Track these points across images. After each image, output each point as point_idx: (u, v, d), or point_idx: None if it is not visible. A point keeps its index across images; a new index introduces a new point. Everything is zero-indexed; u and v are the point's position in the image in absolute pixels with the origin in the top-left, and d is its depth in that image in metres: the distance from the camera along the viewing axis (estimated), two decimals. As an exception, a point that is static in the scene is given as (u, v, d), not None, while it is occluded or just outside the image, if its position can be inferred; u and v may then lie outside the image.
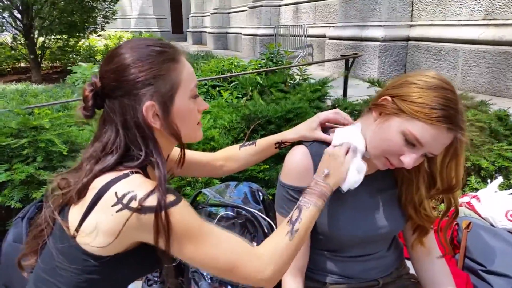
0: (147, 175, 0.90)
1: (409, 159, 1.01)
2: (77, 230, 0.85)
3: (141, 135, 0.90)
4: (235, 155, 1.33)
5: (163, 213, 0.81)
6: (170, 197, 0.84)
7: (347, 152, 1.09)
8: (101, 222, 0.83)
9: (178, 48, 0.97)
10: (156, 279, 1.52)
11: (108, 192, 0.83)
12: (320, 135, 1.19)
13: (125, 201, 0.81)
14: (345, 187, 1.10)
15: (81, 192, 0.87)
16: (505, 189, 1.95)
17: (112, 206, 0.82)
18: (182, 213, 0.85)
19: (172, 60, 0.93)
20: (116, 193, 0.82)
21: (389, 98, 1.04)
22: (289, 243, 0.96)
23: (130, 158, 0.90)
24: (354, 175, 1.08)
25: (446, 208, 1.16)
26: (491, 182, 1.98)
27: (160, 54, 0.91)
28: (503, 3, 5.54)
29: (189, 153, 1.24)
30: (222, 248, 0.89)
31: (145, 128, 0.89)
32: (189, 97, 0.96)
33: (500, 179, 1.96)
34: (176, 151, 1.15)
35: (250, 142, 1.33)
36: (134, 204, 0.81)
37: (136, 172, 0.87)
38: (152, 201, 0.82)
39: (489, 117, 2.44)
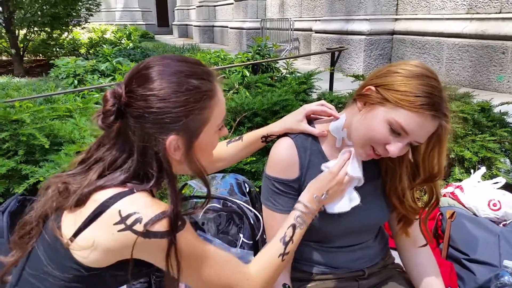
0: (152, 193, 0.89)
1: (394, 148, 1.02)
2: (71, 239, 0.82)
3: (158, 162, 0.86)
4: (223, 151, 1.32)
5: (172, 240, 0.81)
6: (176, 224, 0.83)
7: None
8: (100, 239, 0.80)
9: (215, 77, 0.92)
10: (142, 280, 1.51)
11: (111, 208, 0.80)
12: (306, 127, 1.18)
13: (128, 222, 0.79)
14: (330, 210, 1.12)
15: (81, 201, 0.84)
16: (488, 179, 1.98)
17: (114, 224, 0.79)
18: (187, 238, 0.84)
19: (209, 98, 0.88)
20: (120, 211, 0.79)
21: (373, 87, 1.04)
22: (281, 264, 1.01)
23: (139, 178, 0.87)
24: (345, 203, 1.11)
25: (428, 199, 1.17)
26: (474, 172, 2.02)
27: (198, 89, 0.86)
28: (486, -3, 5.62)
29: None
30: (219, 271, 0.90)
31: (163, 162, 0.85)
32: (215, 131, 0.93)
33: (483, 170, 2.00)
34: None
35: (237, 138, 1.32)
36: (138, 228, 0.79)
37: (142, 190, 0.84)
38: (159, 226, 0.80)
39: (473, 109, 2.47)
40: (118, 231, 0.79)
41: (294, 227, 1.04)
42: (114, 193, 0.82)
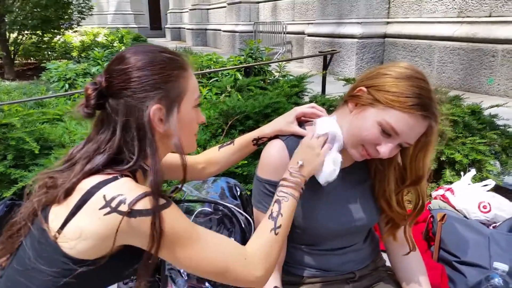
0: (136, 180, 0.88)
1: (385, 149, 1.02)
2: (59, 232, 0.82)
3: (140, 138, 0.88)
4: (215, 156, 1.32)
5: (155, 216, 0.80)
6: (161, 200, 0.83)
7: (324, 144, 1.09)
8: (87, 226, 0.81)
9: (186, 58, 0.98)
10: (132, 277, 1.50)
11: (95, 194, 0.81)
12: (297, 129, 1.18)
13: (113, 204, 0.80)
14: (322, 180, 1.09)
15: (68, 192, 0.84)
16: (478, 182, 1.99)
17: (100, 209, 0.80)
18: (172, 217, 0.84)
19: (182, 68, 0.94)
20: (104, 196, 0.80)
21: (364, 88, 1.05)
22: (275, 238, 0.98)
23: (120, 160, 0.88)
24: (329, 166, 1.08)
25: (415, 203, 1.17)
26: (464, 175, 2.03)
27: (171, 60, 0.93)
28: (476, 1, 5.67)
29: (172, 156, 1.21)
30: (213, 252, 0.89)
31: (147, 131, 0.88)
32: (192, 106, 0.96)
33: (473, 172, 2.01)
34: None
35: (229, 142, 1.32)
36: (123, 208, 0.79)
37: (126, 176, 0.85)
38: (142, 204, 0.80)
39: (463, 111, 2.48)
40: (104, 214, 0.79)
41: (278, 202, 1.02)
42: (99, 180, 0.83)
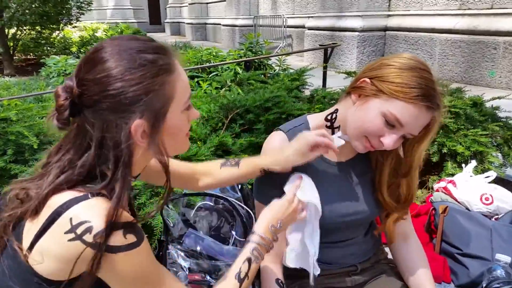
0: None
1: (389, 140, 1.02)
2: (28, 252, 0.76)
3: (115, 156, 0.79)
4: (215, 173, 1.22)
5: (118, 255, 0.74)
6: (130, 238, 0.75)
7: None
8: (52, 247, 0.75)
9: (172, 52, 0.85)
10: None
11: (63, 216, 0.74)
12: (315, 155, 1.10)
13: (79, 231, 0.72)
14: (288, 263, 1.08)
15: (38, 209, 0.77)
16: (480, 174, 1.98)
17: (65, 233, 0.73)
18: (139, 258, 0.77)
19: (167, 71, 0.81)
20: (71, 219, 0.73)
21: (367, 80, 1.04)
22: None
23: (95, 176, 0.79)
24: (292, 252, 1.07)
25: (404, 198, 1.16)
26: (466, 167, 2.02)
27: (153, 64, 0.79)
28: (477, -8, 5.64)
29: (171, 164, 1.12)
30: None
31: (123, 149, 0.78)
32: (182, 110, 0.85)
33: (474, 163, 2.00)
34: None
35: (233, 162, 1.21)
36: (88, 238, 0.72)
37: (99, 194, 0.77)
38: (108, 239, 0.73)
39: (465, 103, 2.47)
40: (69, 240, 0.73)
41: (250, 261, 0.95)
42: (68, 198, 0.76)
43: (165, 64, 0.81)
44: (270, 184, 1.15)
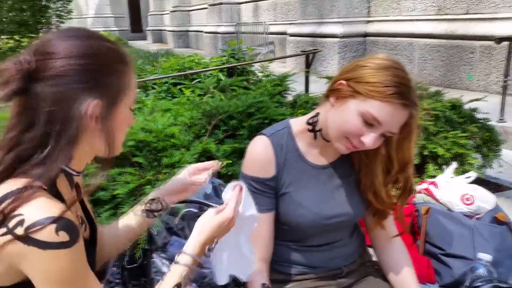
0: (55, 188, 0.78)
1: (369, 139, 1.03)
2: None
3: (60, 131, 0.76)
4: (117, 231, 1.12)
5: (46, 252, 0.69)
6: (62, 236, 0.71)
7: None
8: None
9: (127, 51, 0.87)
10: (117, 281, 1.47)
11: None
12: (195, 178, 1.10)
13: (11, 224, 0.69)
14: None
15: None
16: (461, 175, 2.02)
17: None
18: (69, 260, 0.72)
19: (125, 63, 0.83)
20: (4, 212, 0.70)
21: (344, 82, 1.06)
22: None
23: (38, 161, 0.75)
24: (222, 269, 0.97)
25: (402, 189, 1.18)
26: (447, 168, 2.05)
27: (115, 52, 0.82)
28: (453, -2, 5.78)
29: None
30: None
31: (73, 126, 0.76)
32: (129, 106, 0.86)
33: (454, 165, 2.03)
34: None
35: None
36: (19, 231, 0.68)
37: (35, 187, 0.73)
38: (42, 234, 0.69)
39: (444, 106, 2.52)
40: (1, 235, 0.69)
41: (179, 286, 0.85)
42: (5, 191, 0.72)
43: (124, 56, 0.84)
44: (257, 190, 1.15)
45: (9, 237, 0.69)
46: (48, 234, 0.69)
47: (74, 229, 0.73)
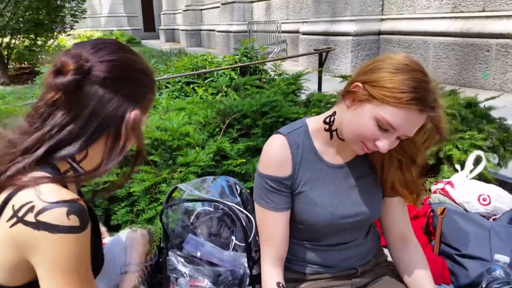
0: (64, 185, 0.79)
1: (383, 144, 1.02)
2: None
3: (97, 130, 0.80)
4: None
5: (56, 236, 0.69)
6: (73, 221, 0.71)
7: None
8: None
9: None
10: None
11: (7, 206, 0.72)
12: None
13: (20, 213, 0.69)
14: None
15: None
16: (477, 175, 1.99)
17: (7, 221, 0.70)
18: (78, 246, 0.73)
19: (154, 81, 0.93)
20: (13, 206, 0.71)
21: (360, 84, 1.04)
22: None
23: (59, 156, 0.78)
24: None
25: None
26: (462, 169, 2.03)
27: (150, 70, 0.91)
28: (469, -4, 5.69)
29: None
30: None
31: (110, 128, 0.81)
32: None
33: (471, 165, 2.01)
34: None
35: None
36: (29, 217, 0.69)
37: (50, 181, 0.74)
38: (51, 216, 0.69)
39: (459, 104, 2.49)
40: (10, 227, 0.70)
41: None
42: (15, 188, 0.73)
43: (153, 73, 0.93)
44: (273, 188, 1.15)
45: (20, 225, 0.69)
46: (58, 216, 0.70)
47: (84, 215, 0.74)
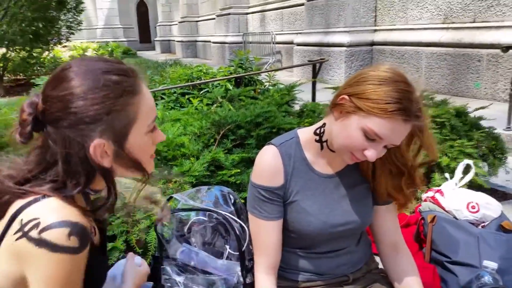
0: (72, 200, 0.79)
1: (371, 153, 1.06)
2: None
3: (86, 170, 0.79)
4: None
5: (55, 255, 0.72)
6: (73, 241, 0.73)
7: None
8: (4, 254, 0.74)
9: (138, 74, 0.85)
10: None
11: (17, 218, 0.74)
12: None
13: (26, 228, 0.71)
14: None
15: (2, 212, 0.77)
16: (467, 183, 2.03)
17: (14, 234, 0.72)
18: (72, 267, 0.74)
19: (131, 93, 0.81)
20: (21, 220, 0.73)
21: (346, 97, 1.08)
22: None
23: (66, 186, 0.79)
24: None
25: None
26: (451, 178, 2.06)
27: (118, 84, 0.79)
28: (460, 7, 5.80)
29: None
30: None
31: (91, 165, 0.79)
32: (146, 132, 0.85)
33: (460, 173, 2.05)
34: None
35: None
36: (33, 233, 0.71)
37: (63, 195, 0.76)
38: (54, 236, 0.71)
39: (449, 113, 2.53)
40: (16, 240, 0.72)
41: None
42: (26, 201, 0.76)
43: (129, 86, 0.81)
44: (265, 198, 1.18)
45: (23, 240, 0.72)
46: (60, 236, 0.72)
47: (85, 236, 0.75)
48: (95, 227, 0.97)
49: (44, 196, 0.76)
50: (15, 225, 0.74)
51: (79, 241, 0.74)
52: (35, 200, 0.75)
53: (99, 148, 0.78)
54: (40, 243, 0.71)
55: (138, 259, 1.16)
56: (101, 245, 0.98)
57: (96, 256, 0.83)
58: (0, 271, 0.75)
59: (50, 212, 0.74)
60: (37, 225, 0.71)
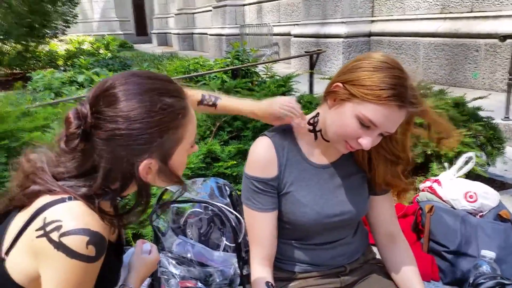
0: (96, 205, 0.81)
1: (366, 141, 1.04)
2: (7, 253, 0.78)
3: (122, 182, 0.82)
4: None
5: (72, 261, 0.74)
6: (91, 251, 0.75)
7: None
8: (23, 247, 0.76)
9: (186, 95, 0.87)
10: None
11: (40, 215, 0.76)
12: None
13: (48, 228, 0.74)
14: None
15: (28, 203, 0.80)
16: (465, 173, 2.02)
17: (36, 230, 0.75)
18: (85, 274, 0.76)
19: (182, 116, 0.83)
20: (45, 218, 0.75)
21: (340, 84, 1.06)
22: None
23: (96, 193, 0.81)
24: None
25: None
26: (450, 167, 2.06)
27: (172, 108, 0.81)
28: (457, -4, 5.76)
29: None
30: None
31: (131, 179, 0.82)
32: (187, 149, 0.89)
33: (458, 163, 2.04)
34: None
35: (211, 102, 1.29)
36: (54, 236, 0.73)
37: (76, 198, 0.78)
38: (72, 241, 0.73)
39: (447, 104, 2.52)
40: (37, 237, 0.74)
41: None
42: (52, 199, 0.77)
43: (181, 108, 0.83)
44: (259, 189, 1.17)
45: (44, 240, 0.74)
46: (79, 244, 0.74)
47: (102, 246, 0.78)
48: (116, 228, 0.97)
49: (70, 198, 0.77)
50: (38, 222, 0.75)
51: (96, 251, 0.76)
52: (62, 200, 0.77)
53: (147, 166, 0.81)
54: (59, 246, 0.73)
55: (147, 246, 1.15)
56: (117, 243, 0.99)
57: (110, 259, 0.85)
58: (17, 263, 0.78)
59: (73, 217, 0.75)
60: (58, 227, 0.73)
